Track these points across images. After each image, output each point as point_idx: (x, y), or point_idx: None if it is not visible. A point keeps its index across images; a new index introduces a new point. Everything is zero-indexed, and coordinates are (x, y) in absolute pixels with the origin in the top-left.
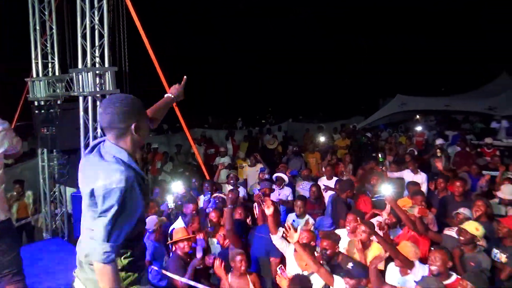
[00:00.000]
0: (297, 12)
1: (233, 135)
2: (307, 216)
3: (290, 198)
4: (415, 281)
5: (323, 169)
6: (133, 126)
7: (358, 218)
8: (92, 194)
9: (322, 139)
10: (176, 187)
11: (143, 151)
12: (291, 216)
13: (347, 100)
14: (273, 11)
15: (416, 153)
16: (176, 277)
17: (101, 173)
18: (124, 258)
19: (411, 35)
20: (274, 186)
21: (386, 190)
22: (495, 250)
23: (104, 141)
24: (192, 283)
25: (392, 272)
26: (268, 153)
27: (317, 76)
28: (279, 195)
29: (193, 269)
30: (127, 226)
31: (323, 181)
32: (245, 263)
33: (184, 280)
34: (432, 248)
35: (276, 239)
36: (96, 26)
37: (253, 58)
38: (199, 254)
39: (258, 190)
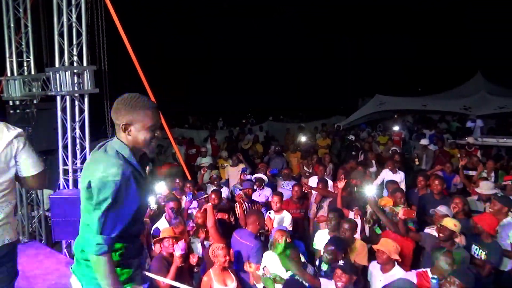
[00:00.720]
0: (281, 11)
1: (214, 135)
2: (284, 212)
3: (270, 198)
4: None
5: (305, 168)
6: (121, 125)
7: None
8: (89, 186)
9: (303, 138)
10: (160, 187)
11: None
12: (271, 213)
13: (326, 100)
14: (257, 10)
15: (398, 151)
16: (159, 277)
17: (101, 166)
18: (118, 255)
19: (390, 35)
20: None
21: (368, 191)
22: (474, 247)
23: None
24: (175, 283)
25: (375, 270)
26: (247, 153)
27: (297, 76)
28: (259, 195)
29: (175, 269)
30: (120, 221)
31: (313, 180)
32: (229, 257)
33: (167, 280)
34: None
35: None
36: (74, 24)
37: (233, 58)
38: (177, 252)
39: (240, 190)
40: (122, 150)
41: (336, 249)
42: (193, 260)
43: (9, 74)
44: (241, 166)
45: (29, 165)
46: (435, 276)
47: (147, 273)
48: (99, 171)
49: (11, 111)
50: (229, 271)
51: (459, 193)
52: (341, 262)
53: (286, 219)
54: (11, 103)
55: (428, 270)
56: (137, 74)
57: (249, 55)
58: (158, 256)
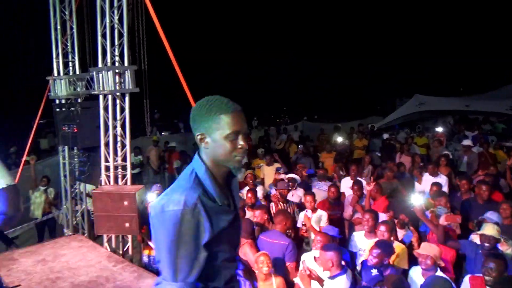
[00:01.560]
0: (321, 8)
1: (249, 134)
2: (320, 211)
3: (303, 200)
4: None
5: (340, 171)
6: (197, 136)
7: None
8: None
9: (339, 139)
10: None
11: (160, 150)
12: (308, 212)
13: (363, 100)
14: (293, 10)
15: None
16: None
17: (168, 191)
18: None
19: (431, 33)
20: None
21: (415, 200)
22: None
23: None
24: None
25: (416, 275)
26: (284, 152)
27: (334, 76)
28: (292, 196)
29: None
30: (194, 262)
31: (346, 181)
32: (270, 264)
33: None
34: None
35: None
36: (116, 25)
37: (268, 56)
38: None
39: (275, 190)
40: (198, 169)
41: (383, 252)
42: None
43: (55, 74)
44: (276, 165)
45: None
46: None
47: None
48: (162, 199)
49: (57, 109)
50: (272, 279)
51: (506, 197)
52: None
53: (323, 217)
54: (57, 101)
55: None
56: (175, 74)
57: (284, 53)
58: None
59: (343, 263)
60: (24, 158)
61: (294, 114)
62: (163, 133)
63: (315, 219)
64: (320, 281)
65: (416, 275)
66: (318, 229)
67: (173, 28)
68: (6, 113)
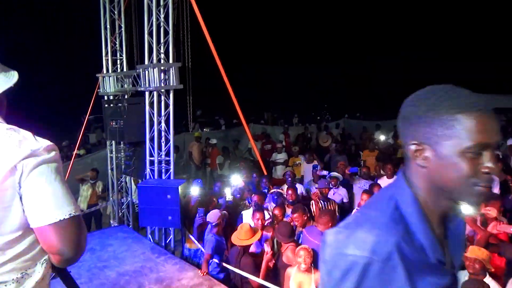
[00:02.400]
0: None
1: (287, 130)
2: None
3: (345, 199)
4: None
5: (381, 171)
6: (408, 146)
7: None
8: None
9: (382, 137)
10: (236, 180)
11: (203, 146)
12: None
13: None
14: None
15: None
16: (250, 276)
17: (351, 228)
18: None
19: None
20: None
21: (466, 209)
22: None
23: None
24: (262, 281)
25: (463, 280)
26: (321, 150)
27: (377, 72)
28: (333, 194)
29: (266, 266)
30: None
31: (384, 181)
32: (310, 259)
33: (257, 279)
34: None
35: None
36: (162, 23)
37: (310, 54)
38: (267, 249)
39: (316, 188)
40: (402, 197)
41: None
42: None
43: (104, 71)
44: (316, 163)
45: (43, 206)
46: None
47: (225, 264)
48: (341, 232)
49: (106, 105)
50: (311, 274)
51: None
52: None
53: None
54: (105, 98)
55: None
56: (217, 71)
57: (325, 50)
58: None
59: None
60: (75, 151)
61: (336, 112)
62: (204, 129)
63: None
64: None
65: (463, 280)
66: None
67: (216, 24)
68: (58, 109)
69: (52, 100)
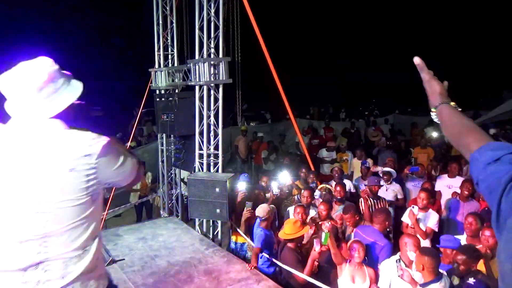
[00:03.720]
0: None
1: (329, 125)
2: (430, 211)
3: (399, 196)
4: None
5: (433, 171)
6: None
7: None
8: None
9: (435, 134)
10: (284, 177)
11: (249, 140)
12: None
13: (464, 92)
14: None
15: None
16: (295, 271)
17: None
18: None
19: None
20: (381, 182)
21: None
22: None
23: None
24: (309, 279)
25: None
26: (369, 146)
27: (428, 65)
28: (386, 190)
29: (312, 263)
30: None
31: (444, 180)
32: (363, 252)
33: (302, 275)
34: None
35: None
36: (212, 18)
37: (356, 48)
38: (317, 248)
39: (365, 185)
40: None
41: (469, 259)
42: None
43: (156, 66)
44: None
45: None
46: None
47: (275, 260)
48: None
49: (157, 99)
50: (364, 269)
51: None
52: (471, 280)
53: (431, 218)
54: (157, 92)
55: None
56: (265, 66)
57: (374, 43)
58: (286, 248)
59: (441, 270)
60: (129, 143)
61: (384, 107)
62: (251, 124)
63: (422, 218)
64: (414, 284)
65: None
66: (424, 230)
67: (266, 19)
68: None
69: (106, 94)
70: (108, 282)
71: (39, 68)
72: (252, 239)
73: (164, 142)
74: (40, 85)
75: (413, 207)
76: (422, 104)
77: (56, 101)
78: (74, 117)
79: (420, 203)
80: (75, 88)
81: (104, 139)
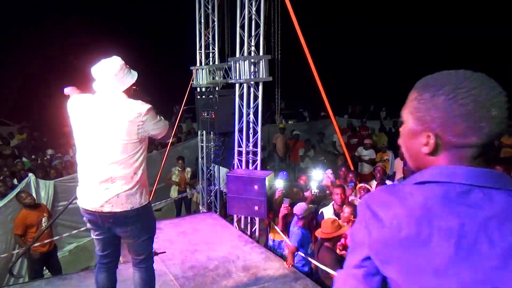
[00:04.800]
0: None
1: (365, 124)
2: None
3: None
4: None
5: None
6: None
7: None
8: None
9: None
10: (318, 175)
11: (287, 138)
12: None
13: None
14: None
15: None
16: (332, 271)
17: None
18: None
19: None
20: None
21: None
22: None
23: None
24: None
25: None
26: None
27: (477, 58)
28: None
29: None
30: None
31: None
32: None
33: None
34: None
35: None
36: (253, 16)
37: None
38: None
39: None
40: None
41: None
42: None
43: (198, 64)
44: None
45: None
46: None
47: (311, 260)
48: None
49: (198, 97)
50: None
51: None
52: None
53: None
54: (198, 89)
55: None
56: (306, 64)
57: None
58: (324, 247)
59: None
60: (171, 140)
61: None
62: (289, 122)
63: None
64: None
65: None
66: None
67: (307, 15)
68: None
69: (147, 91)
70: (149, 204)
71: (115, 62)
72: (289, 237)
73: (204, 139)
74: (115, 72)
75: None
76: None
77: (124, 82)
78: (132, 93)
79: None
80: (134, 75)
81: (148, 105)
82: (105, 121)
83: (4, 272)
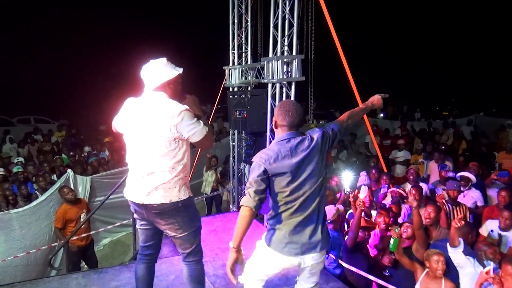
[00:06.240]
0: None
1: (405, 125)
2: None
3: (479, 203)
4: None
5: None
6: None
7: None
8: None
9: None
10: (349, 176)
11: None
12: (492, 224)
13: None
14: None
15: None
16: (360, 272)
17: None
18: None
19: None
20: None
21: None
22: None
23: None
24: (378, 280)
25: None
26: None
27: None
28: (464, 196)
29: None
30: None
31: None
32: (443, 265)
33: (370, 277)
34: None
35: (454, 252)
36: (287, 16)
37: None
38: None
39: (442, 190)
40: None
41: None
42: (386, 260)
43: (231, 64)
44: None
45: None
46: None
47: (341, 262)
48: None
49: (231, 96)
50: (442, 282)
51: None
52: None
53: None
54: (231, 89)
55: None
56: (341, 65)
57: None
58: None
59: None
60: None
61: (465, 107)
62: (320, 122)
63: (508, 239)
64: None
65: None
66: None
67: (341, 14)
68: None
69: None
70: (190, 199)
71: (160, 58)
72: None
73: (236, 138)
74: (159, 65)
75: (492, 231)
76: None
77: (166, 72)
78: (170, 94)
79: (501, 222)
80: (177, 69)
81: (183, 107)
82: (145, 118)
83: (45, 263)
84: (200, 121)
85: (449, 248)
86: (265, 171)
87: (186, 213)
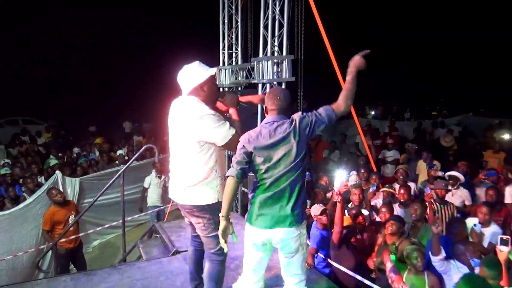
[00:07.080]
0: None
1: (393, 124)
2: (493, 226)
3: (467, 202)
4: None
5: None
6: None
7: None
8: None
9: (507, 136)
10: (341, 175)
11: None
12: (472, 221)
13: None
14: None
15: None
16: (346, 270)
17: None
18: None
19: None
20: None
21: None
22: None
23: None
24: (365, 281)
25: None
26: (439, 148)
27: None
28: (452, 195)
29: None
30: None
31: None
32: (422, 260)
33: (356, 276)
34: None
35: (437, 261)
36: (277, 16)
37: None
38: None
39: (430, 189)
40: None
41: None
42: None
43: (221, 65)
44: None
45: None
46: None
47: (330, 261)
48: None
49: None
50: (424, 274)
51: None
52: None
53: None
54: (221, 89)
55: None
56: (328, 64)
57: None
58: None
59: None
60: None
61: (453, 107)
62: None
63: (488, 236)
64: None
65: None
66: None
67: (331, 15)
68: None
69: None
70: (218, 204)
71: (192, 66)
72: (309, 239)
73: None
74: (191, 67)
75: (474, 224)
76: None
77: (198, 74)
78: (204, 96)
79: (480, 217)
80: (210, 70)
81: (207, 111)
82: (177, 121)
83: (32, 266)
84: (227, 123)
85: (431, 257)
86: (243, 147)
87: (211, 216)
